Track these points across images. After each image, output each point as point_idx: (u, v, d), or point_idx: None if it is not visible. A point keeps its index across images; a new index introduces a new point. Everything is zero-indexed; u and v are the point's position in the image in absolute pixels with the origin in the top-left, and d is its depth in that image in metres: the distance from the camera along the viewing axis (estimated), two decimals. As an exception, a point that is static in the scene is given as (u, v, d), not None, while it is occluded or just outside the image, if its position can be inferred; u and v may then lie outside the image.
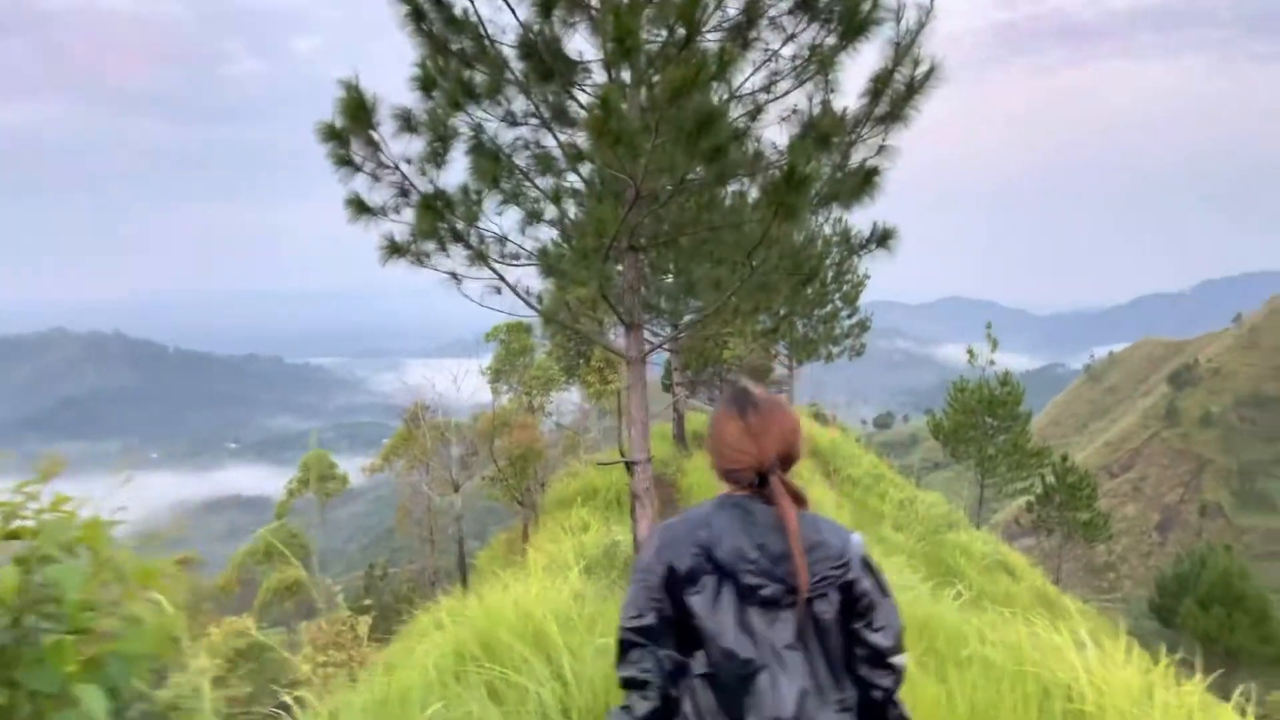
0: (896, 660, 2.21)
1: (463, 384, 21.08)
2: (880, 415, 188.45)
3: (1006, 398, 32.27)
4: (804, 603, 2.14)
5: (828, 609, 2.16)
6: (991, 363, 32.81)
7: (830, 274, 29.43)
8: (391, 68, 8.34)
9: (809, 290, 26.16)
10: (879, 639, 2.19)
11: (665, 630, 2.22)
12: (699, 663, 2.18)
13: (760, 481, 2.23)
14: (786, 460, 2.28)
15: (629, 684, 2.21)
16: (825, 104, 7.71)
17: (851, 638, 2.21)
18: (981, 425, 32.57)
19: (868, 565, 2.24)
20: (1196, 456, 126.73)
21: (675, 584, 2.20)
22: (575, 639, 4.17)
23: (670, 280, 10.31)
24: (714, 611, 2.15)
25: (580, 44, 8.01)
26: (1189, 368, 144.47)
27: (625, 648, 2.24)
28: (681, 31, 6.47)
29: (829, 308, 30.49)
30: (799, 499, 2.24)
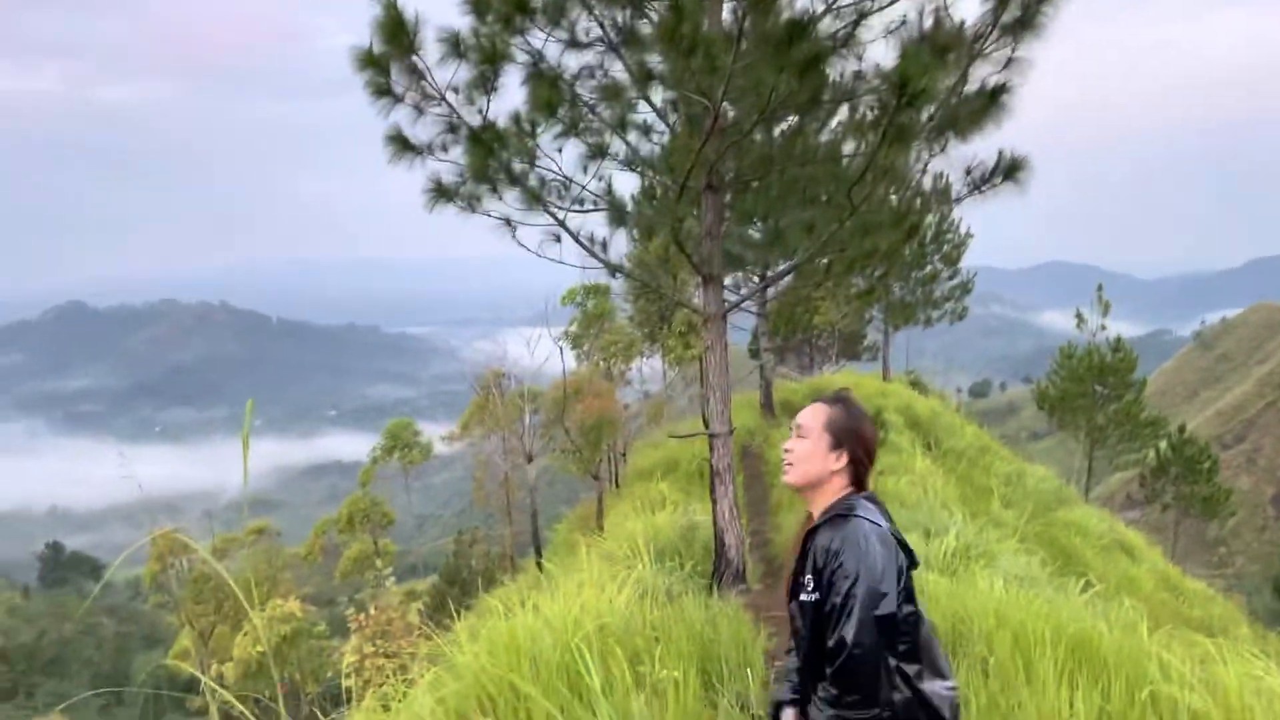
0: None
1: (546, 350, 20.36)
2: (976, 383, 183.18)
3: (1119, 364, 30.28)
4: None
5: None
6: (1103, 328, 30.78)
7: (929, 233, 27.81)
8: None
9: (907, 250, 24.66)
10: None
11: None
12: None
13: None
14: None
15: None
16: (940, 12, 6.54)
17: None
18: (1091, 393, 30.67)
19: None
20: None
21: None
22: (617, 674, 3.25)
23: (756, 226, 9.20)
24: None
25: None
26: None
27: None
28: (769, -81, 5.38)
29: (928, 269, 28.87)
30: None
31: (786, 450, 2.50)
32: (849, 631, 2.20)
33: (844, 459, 2.43)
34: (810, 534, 2.42)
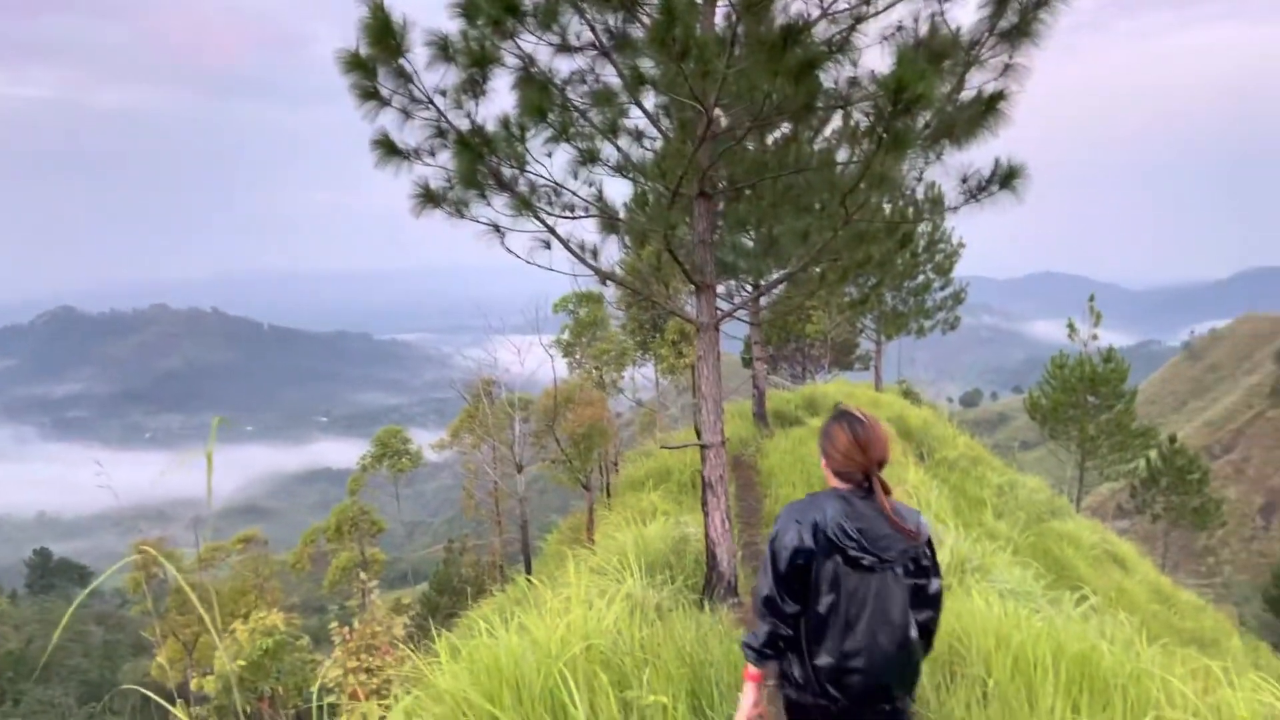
0: (939, 595, 3.07)
1: (537, 358, 20.18)
2: (967, 393, 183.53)
3: (1110, 375, 30.28)
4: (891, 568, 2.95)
5: (903, 572, 2.95)
6: (1094, 338, 30.77)
7: (922, 243, 27.78)
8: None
9: (900, 260, 24.60)
10: (936, 586, 3.04)
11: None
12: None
13: (863, 479, 2.99)
14: (882, 464, 3.00)
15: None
16: (936, 18, 6.45)
17: (915, 590, 3.00)
18: (1082, 404, 30.67)
19: (929, 542, 3.05)
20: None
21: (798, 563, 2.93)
22: (602, 702, 3.12)
23: (750, 235, 9.09)
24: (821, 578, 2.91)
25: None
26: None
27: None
28: (763, -79, 5.27)
29: (920, 279, 28.84)
30: (887, 489, 3.00)
31: None
32: (755, 601, 3.01)
33: (824, 460, 3.10)
34: None
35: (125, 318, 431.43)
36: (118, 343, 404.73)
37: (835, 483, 3.03)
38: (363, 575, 8.64)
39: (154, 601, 23.81)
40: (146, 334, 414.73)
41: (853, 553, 2.85)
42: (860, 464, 2.96)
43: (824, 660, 2.89)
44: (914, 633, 2.95)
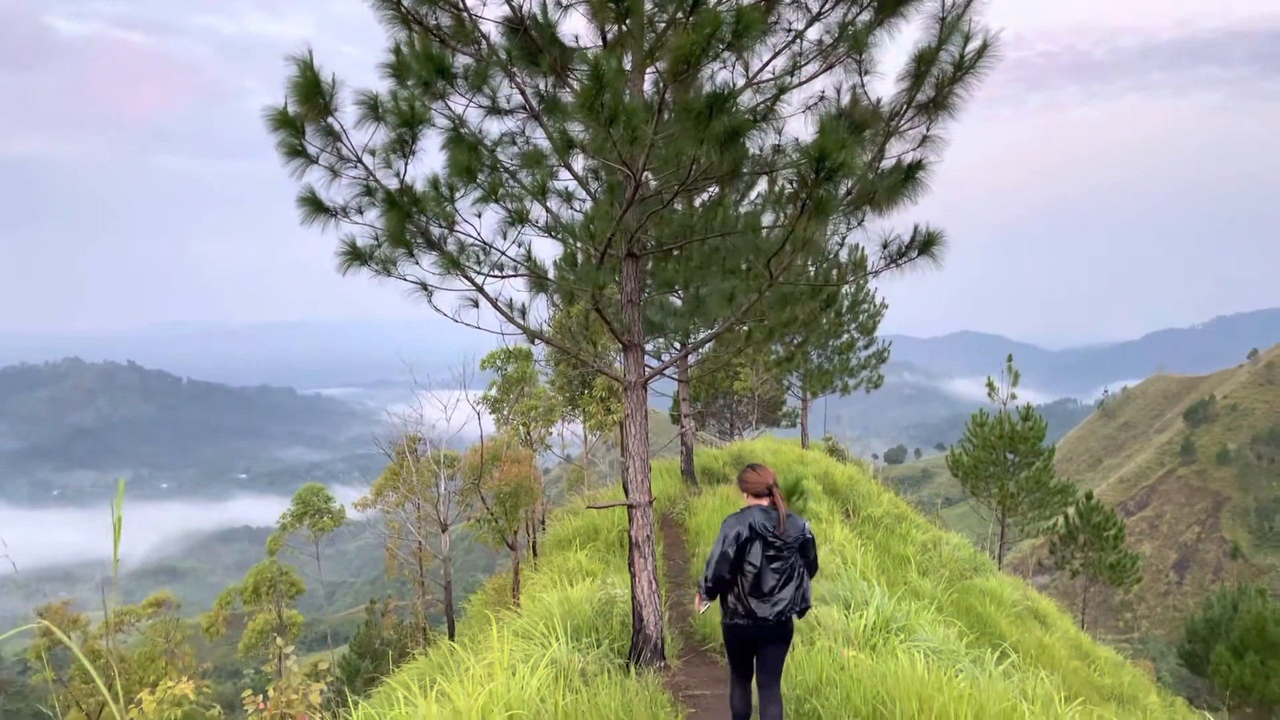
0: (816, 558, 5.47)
1: (464, 414, 19.87)
2: (891, 450, 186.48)
3: (1028, 433, 30.98)
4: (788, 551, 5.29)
5: (795, 555, 5.24)
6: (1013, 397, 31.53)
7: (846, 303, 28.31)
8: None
9: (824, 320, 25.03)
10: (813, 564, 5.39)
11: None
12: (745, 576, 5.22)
13: (767, 494, 5.30)
14: (774, 485, 5.32)
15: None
16: (857, 90, 6.66)
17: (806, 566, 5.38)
18: (1002, 461, 31.30)
19: (812, 540, 5.35)
20: (1213, 494, 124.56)
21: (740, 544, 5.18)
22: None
23: (677, 294, 9.17)
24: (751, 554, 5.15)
25: (578, 26, 7.03)
26: (1205, 404, 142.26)
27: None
28: (690, -8, 5.40)
29: (845, 338, 29.33)
30: (778, 504, 5.29)
31: None
32: (710, 564, 5.13)
33: (745, 495, 5.31)
34: None
35: (36, 371, 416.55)
36: (27, 397, 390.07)
37: (753, 502, 5.25)
38: (279, 641, 8.38)
39: (57, 670, 22.69)
40: (58, 388, 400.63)
41: (771, 540, 5.08)
42: (765, 484, 5.25)
43: (761, 601, 5.00)
44: (807, 582, 5.25)
